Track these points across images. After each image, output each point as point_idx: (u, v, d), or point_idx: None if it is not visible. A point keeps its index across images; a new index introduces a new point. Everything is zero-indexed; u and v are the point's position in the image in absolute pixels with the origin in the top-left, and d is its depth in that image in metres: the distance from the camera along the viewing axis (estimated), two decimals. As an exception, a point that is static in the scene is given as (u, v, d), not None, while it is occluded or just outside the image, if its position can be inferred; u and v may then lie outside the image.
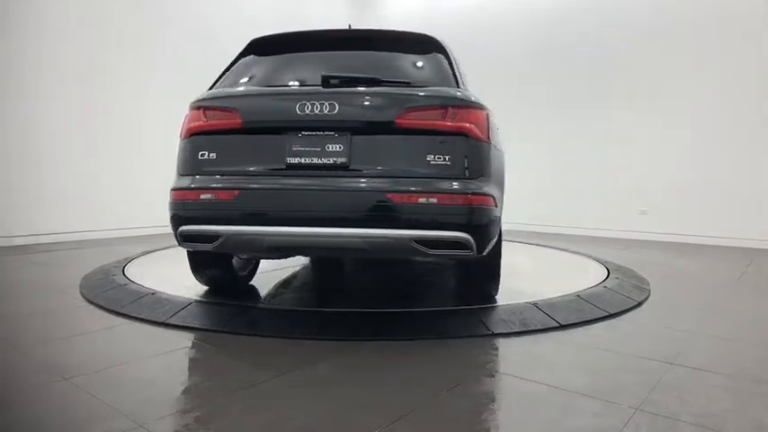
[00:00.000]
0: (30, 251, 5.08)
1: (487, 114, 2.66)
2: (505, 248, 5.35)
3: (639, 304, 3.32)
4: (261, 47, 3.07)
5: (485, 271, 3.01)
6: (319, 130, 2.53)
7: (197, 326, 2.71)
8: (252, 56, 3.06)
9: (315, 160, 2.52)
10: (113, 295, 3.22)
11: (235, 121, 2.62)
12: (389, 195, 2.41)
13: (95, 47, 6.03)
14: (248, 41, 3.10)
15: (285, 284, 3.61)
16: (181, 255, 3.74)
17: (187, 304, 2.97)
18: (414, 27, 9.13)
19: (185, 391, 1.97)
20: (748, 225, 6.23)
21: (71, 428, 1.70)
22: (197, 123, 2.70)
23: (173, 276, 3.71)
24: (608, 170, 7.18)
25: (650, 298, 3.51)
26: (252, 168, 2.60)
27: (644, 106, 6.90)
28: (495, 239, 2.72)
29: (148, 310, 2.93)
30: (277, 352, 2.40)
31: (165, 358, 2.36)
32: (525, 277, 4.10)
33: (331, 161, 2.51)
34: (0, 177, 5.34)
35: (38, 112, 5.57)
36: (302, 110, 2.51)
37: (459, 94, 2.62)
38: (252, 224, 2.52)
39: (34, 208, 5.53)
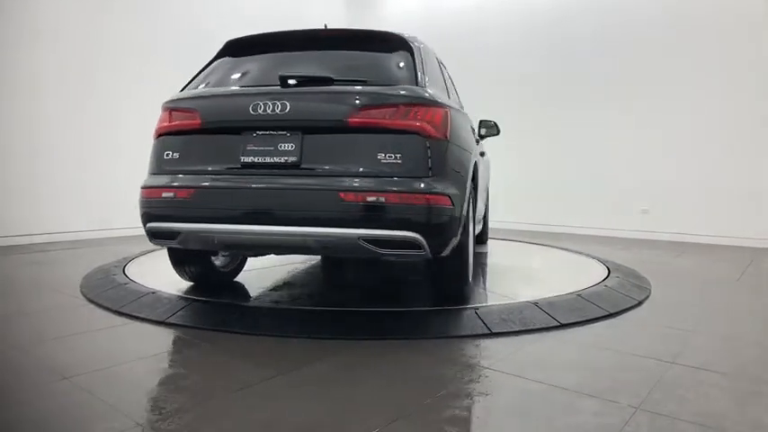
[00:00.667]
0: (26, 251, 5.08)
1: (446, 112, 2.62)
2: (506, 248, 5.36)
3: (640, 303, 3.32)
4: (235, 48, 3.12)
5: (449, 271, 2.89)
6: (272, 130, 2.56)
7: (197, 325, 2.71)
8: (227, 57, 3.11)
9: (267, 159, 2.55)
10: (114, 294, 3.22)
11: (195, 121, 2.70)
12: (339, 194, 2.41)
13: (92, 47, 6.03)
14: (224, 43, 3.16)
15: (286, 282, 3.61)
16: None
17: (187, 303, 2.97)
18: (412, 27, 9.14)
19: (185, 391, 1.97)
20: (749, 224, 6.23)
21: (72, 428, 1.70)
22: (164, 124, 2.81)
23: (173, 275, 3.71)
24: (609, 170, 7.18)
25: (650, 297, 3.51)
26: (210, 167, 2.66)
27: (645, 106, 6.89)
28: (456, 239, 2.65)
29: (149, 309, 2.93)
30: (277, 351, 2.41)
31: (166, 357, 2.36)
32: (525, 276, 4.10)
33: (282, 160, 2.53)
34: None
35: (33, 112, 5.57)
36: (255, 110, 2.55)
37: (412, 92, 2.59)
38: (206, 222, 2.59)
39: (29, 207, 5.53)
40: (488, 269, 4.45)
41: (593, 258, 4.76)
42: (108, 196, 6.01)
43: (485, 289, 3.62)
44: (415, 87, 2.63)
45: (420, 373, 2.15)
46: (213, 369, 2.23)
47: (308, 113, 2.56)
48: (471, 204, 3.14)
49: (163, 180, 2.73)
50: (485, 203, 5.13)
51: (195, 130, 2.72)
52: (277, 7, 8.01)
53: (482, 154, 4.28)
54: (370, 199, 2.39)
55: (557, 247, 5.58)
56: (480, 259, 4.81)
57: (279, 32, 3.02)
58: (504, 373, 2.15)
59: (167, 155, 2.76)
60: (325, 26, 3.01)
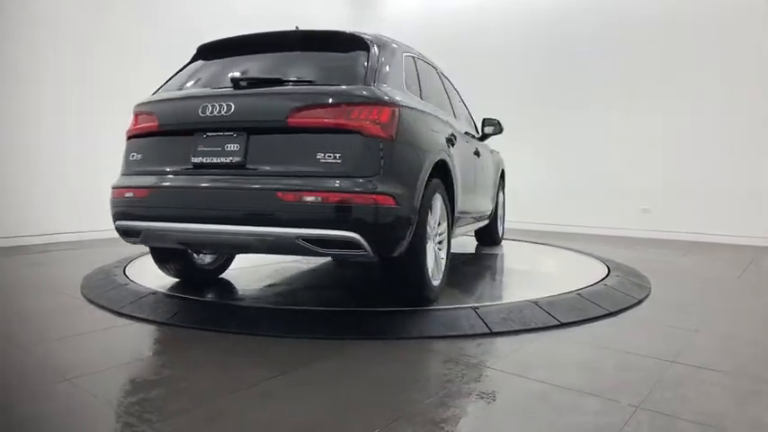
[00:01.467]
0: (26, 252, 5.09)
1: (394, 111, 2.57)
2: (506, 247, 5.35)
3: (640, 302, 3.32)
4: (207, 52, 3.20)
5: (401, 273, 2.80)
6: (220, 131, 2.62)
7: (197, 326, 2.71)
8: (199, 60, 3.20)
9: (215, 160, 2.62)
10: (114, 295, 3.22)
11: (153, 124, 2.83)
12: (277, 194, 2.44)
13: (90, 47, 6.04)
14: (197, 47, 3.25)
15: (289, 282, 3.61)
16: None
17: (187, 304, 2.97)
18: (412, 27, 9.09)
19: (186, 391, 1.97)
20: (749, 223, 6.23)
21: (73, 428, 1.70)
22: (131, 127, 2.98)
23: (174, 277, 3.71)
24: (609, 169, 7.18)
25: (651, 296, 3.51)
26: (166, 168, 2.77)
27: (645, 105, 6.90)
28: (405, 240, 2.61)
29: (149, 310, 2.94)
30: (276, 351, 2.41)
31: (166, 358, 2.37)
32: (525, 275, 4.10)
33: (228, 160, 2.59)
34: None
35: (30, 113, 5.57)
36: (204, 112, 2.63)
37: (355, 91, 2.57)
38: (162, 221, 2.70)
39: (29, 208, 5.54)
40: (491, 268, 4.45)
41: (594, 257, 4.76)
42: (107, 197, 6.01)
43: (470, 293, 3.61)
44: (358, 87, 2.62)
45: (420, 372, 2.15)
46: (213, 369, 2.23)
47: (251, 114, 2.60)
48: (445, 203, 3.11)
49: (127, 180, 2.88)
50: (492, 203, 5.01)
51: (154, 133, 2.84)
52: (271, 7, 7.99)
53: (477, 153, 4.21)
54: (306, 199, 2.41)
55: (557, 246, 5.58)
56: (486, 261, 4.82)
57: (246, 35, 3.07)
58: (505, 373, 2.15)
59: (132, 156, 2.92)
60: (297, 28, 3.01)
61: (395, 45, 3.12)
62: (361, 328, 2.68)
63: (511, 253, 5.14)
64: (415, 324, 2.68)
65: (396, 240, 2.57)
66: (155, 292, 3.20)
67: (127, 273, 3.77)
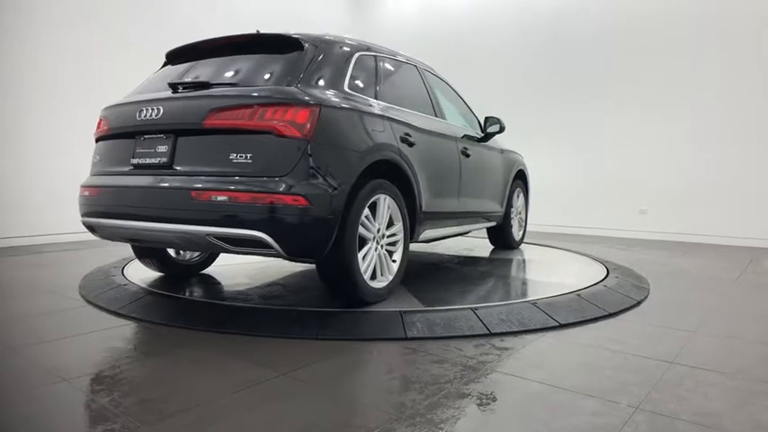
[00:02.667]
0: (25, 252, 5.08)
1: (313, 111, 2.59)
2: (506, 248, 5.34)
3: (638, 303, 3.33)
4: (171, 57, 3.35)
5: (331, 273, 2.82)
6: (153, 134, 2.79)
7: (196, 326, 2.71)
8: (167, 66, 3.34)
9: (148, 161, 2.79)
10: (113, 296, 3.22)
11: (106, 128, 3.07)
12: (191, 193, 2.54)
13: (92, 47, 6.04)
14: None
15: (284, 282, 3.61)
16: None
17: (187, 304, 2.97)
18: (410, 28, 9.08)
19: (186, 392, 1.97)
20: (748, 224, 6.24)
21: (71, 429, 1.70)
22: (95, 130, 3.21)
23: (171, 276, 3.71)
24: (607, 170, 7.19)
25: (649, 297, 3.51)
26: (113, 169, 2.98)
27: (643, 106, 6.91)
28: (326, 241, 2.63)
29: (148, 310, 2.93)
30: (276, 351, 2.41)
31: (165, 359, 2.36)
32: (524, 276, 4.10)
33: (158, 161, 2.75)
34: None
35: (27, 111, 5.58)
36: (140, 116, 2.81)
37: (270, 92, 2.62)
38: (106, 218, 2.91)
39: (27, 209, 5.53)
40: (493, 269, 4.45)
41: (592, 258, 4.76)
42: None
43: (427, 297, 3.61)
44: (275, 88, 2.67)
45: (419, 373, 2.15)
46: (212, 369, 2.23)
47: (176, 117, 2.72)
48: (399, 204, 3.09)
49: (88, 180, 3.12)
50: (498, 205, 4.82)
51: (107, 136, 3.07)
52: (270, 6, 7.98)
53: (465, 154, 4.03)
54: (216, 198, 2.48)
55: (555, 247, 5.59)
56: (490, 263, 4.82)
57: (203, 41, 3.19)
58: (504, 374, 2.15)
59: (94, 158, 3.18)
60: (258, 32, 3.07)
61: (343, 46, 3.14)
62: (357, 328, 2.68)
63: (511, 254, 5.14)
64: (413, 324, 2.67)
65: (312, 241, 2.60)
66: (153, 293, 3.20)
67: (125, 273, 3.77)
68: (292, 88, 2.66)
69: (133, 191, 2.77)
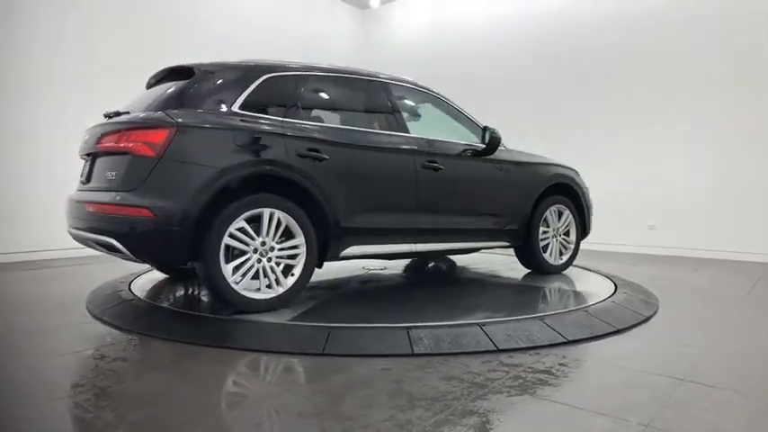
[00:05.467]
0: (33, 267, 5.11)
1: (169, 132, 2.86)
2: (511, 261, 5.31)
3: (648, 319, 3.29)
4: (148, 82, 3.70)
5: (203, 281, 3.09)
6: (86, 156, 3.37)
7: (202, 342, 2.70)
8: (145, 90, 3.66)
9: (82, 179, 3.39)
10: (119, 311, 3.22)
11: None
12: (84, 206, 3.06)
13: (95, 58, 6.13)
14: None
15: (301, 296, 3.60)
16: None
17: (192, 320, 2.96)
18: (418, 39, 9.11)
19: (191, 408, 1.96)
20: (757, 239, 6.18)
21: (75, 445, 1.69)
22: None
23: (179, 291, 3.71)
24: (615, 185, 7.16)
25: (659, 313, 3.47)
26: (77, 185, 3.48)
27: (652, 120, 6.90)
28: (176, 250, 2.87)
29: (155, 325, 2.93)
30: (280, 366, 2.40)
31: (170, 374, 2.36)
32: (532, 292, 4.07)
33: (84, 179, 3.34)
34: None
35: (34, 124, 5.64)
36: (83, 140, 3.37)
37: (132, 118, 3.04)
38: (68, 225, 3.35)
39: (36, 223, 5.56)
40: (502, 284, 4.43)
41: (600, 274, 4.73)
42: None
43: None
44: (144, 113, 3.04)
45: (426, 390, 2.13)
46: (217, 385, 2.22)
47: (90, 143, 3.24)
48: (297, 218, 3.15)
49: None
50: (515, 224, 4.37)
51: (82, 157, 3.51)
52: (277, 16, 8.06)
53: (430, 167, 3.75)
54: (90, 209, 2.99)
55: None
56: (504, 284, 4.79)
57: (156, 72, 3.57)
58: (512, 391, 2.12)
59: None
60: (181, 66, 3.40)
61: (246, 71, 3.30)
62: (363, 344, 2.66)
63: (517, 268, 5.11)
64: (420, 340, 2.66)
65: (159, 249, 2.91)
66: (159, 308, 3.20)
67: (132, 288, 3.77)
68: (158, 113, 2.99)
69: (73, 204, 3.26)
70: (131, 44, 6.36)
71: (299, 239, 3.19)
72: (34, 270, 4.96)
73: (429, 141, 3.91)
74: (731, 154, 6.34)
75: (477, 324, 2.86)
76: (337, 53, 8.81)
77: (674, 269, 5.55)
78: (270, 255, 3.10)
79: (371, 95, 3.90)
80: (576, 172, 5.05)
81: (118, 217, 2.84)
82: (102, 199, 2.93)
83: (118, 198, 2.86)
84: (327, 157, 3.28)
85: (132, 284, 3.92)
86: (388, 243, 3.70)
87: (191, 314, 3.12)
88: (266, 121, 3.17)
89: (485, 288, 4.22)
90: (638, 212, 6.98)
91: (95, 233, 2.95)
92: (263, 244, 3.07)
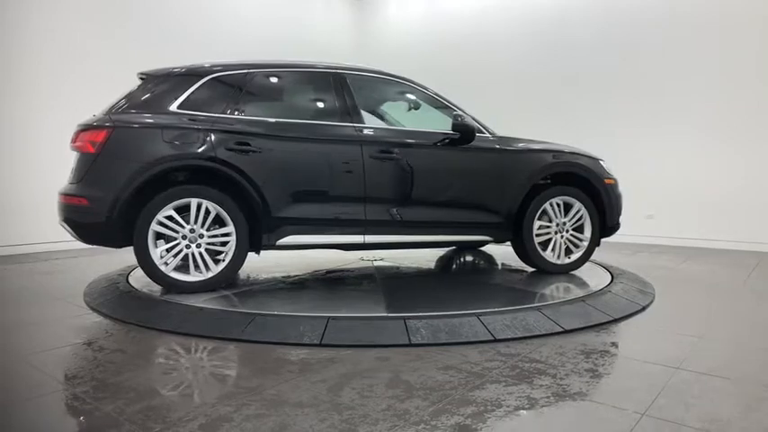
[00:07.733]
0: (30, 260, 5.10)
1: (106, 131, 3.26)
2: (509, 252, 5.32)
3: (644, 308, 3.31)
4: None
5: (137, 260, 3.37)
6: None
7: (201, 333, 2.71)
8: None
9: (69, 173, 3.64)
10: (117, 303, 3.23)
11: None
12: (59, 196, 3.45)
13: (90, 55, 6.09)
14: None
15: (298, 288, 3.61)
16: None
17: (191, 312, 2.97)
18: (413, 30, 9.04)
19: (190, 399, 1.97)
20: (754, 228, 6.20)
21: (75, 436, 1.70)
22: None
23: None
24: (613, 174, 7.16)
25: (655, 302, 3.49)
26: None
27: (649, 109, 6.89)
28: (109, 234, 3.26)
29: (153, 317, 2.93)
30: (283, 357, 2.40)
31: (169, 366, 2.36)
32: (529, 282, 4.08)
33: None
34: None
35: (32, 117, 5.61)
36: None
37: (87, 120, 3.40)
38: None
39: (30, 216, 5.54)
40: (498, 274, 4.44)
41: (597, 264, 4.74)
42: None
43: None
44: (95, 115, 3.43)
45: (424, 380, 2.14)
46: (216, 376, 2.23)
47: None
48: (227, 208, 3.35)
49: None
50: (499, 216, 4.01)
51: None
52: (275, 10, 7.99)
53: (382, 158, 3.65)
54: (58, 200, 3.43)
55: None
56: (497, 269, 4.80)
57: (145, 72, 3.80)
58: (509, 380, 2.14)
59: None
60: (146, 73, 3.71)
61: (188, 74, 3.55)
62: (361, 335, 2.67)
63: (514, 259, 5.12)
64: (418, 331, 2.67)
65: (96, 233, 3.31)
66: (157, 300, 3.20)
67: (130, 280, 3.77)
68: (105, 115, 3.39)
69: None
70: (125, 41, 6.31)
71: (230, 228, 3.40)
72: (31, 263, 4.95)
73: (388, 131, 3.91)
74: (727, 145, 6.34)
75: (475, 314, 2.87)
76: (332, 45, 8.75)
77: (670, 258, 5.58)
78: (200, 241, 3.34)
79: (320, 87, 3.86)
80: (597, 160, 4.53)
81: (67, 205, 3.34)
82: (62, 190, 3.41)
83: (67, 189, 3.36)
84: (258, 149, 3.42)
85: (129, 276, 3.91)
86: (330, 234, 3.66)
87: (188, 306, 3.12)
88: (198, 119, 3.41)
89: (482, 279, 4.23)
90: (635, 202, 6.99)
91: (60, 220, 3.42)
92: (192, 231, 3.33)
